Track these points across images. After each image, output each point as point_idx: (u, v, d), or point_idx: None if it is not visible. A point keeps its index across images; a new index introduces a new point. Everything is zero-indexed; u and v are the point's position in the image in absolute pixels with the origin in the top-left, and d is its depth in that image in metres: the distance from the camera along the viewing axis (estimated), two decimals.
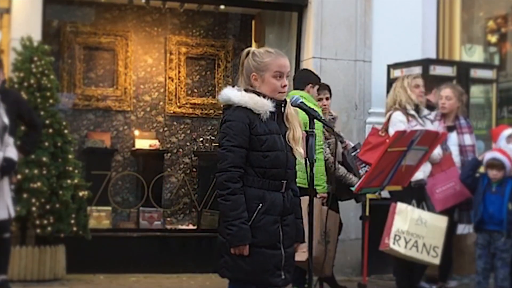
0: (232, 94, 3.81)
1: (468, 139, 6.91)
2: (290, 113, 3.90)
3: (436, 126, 6.70)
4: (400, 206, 5.87)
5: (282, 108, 3.87)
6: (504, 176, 6.41)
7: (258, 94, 3.81)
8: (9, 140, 5.85)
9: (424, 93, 6.67)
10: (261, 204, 3.73)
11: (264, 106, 3.77)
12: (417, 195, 6.34)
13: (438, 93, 7.04)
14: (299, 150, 3.86)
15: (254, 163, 3.75)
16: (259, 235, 3.71)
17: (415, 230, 5.81)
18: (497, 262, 6.36)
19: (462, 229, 6.71)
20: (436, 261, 5.89)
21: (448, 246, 6.87)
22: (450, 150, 6.74)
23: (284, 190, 3.83)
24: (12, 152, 5.87)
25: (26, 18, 7.52)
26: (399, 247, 5.77)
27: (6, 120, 5.86)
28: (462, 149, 6.86)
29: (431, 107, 6.95)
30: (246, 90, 3.83)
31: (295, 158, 3.88)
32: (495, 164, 6.41)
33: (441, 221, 5.97)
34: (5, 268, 6.36)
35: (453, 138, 6.80)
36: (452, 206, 6.67)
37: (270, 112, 3.79)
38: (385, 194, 6.59)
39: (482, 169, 6.60)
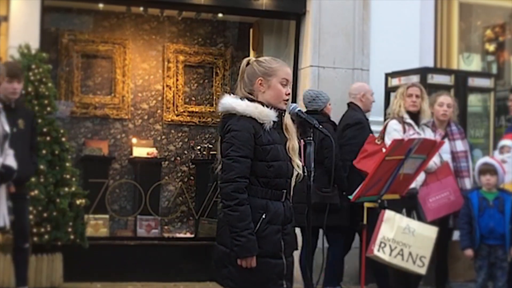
0: (236, 103, 3.77)
1: (460, 145, 6.89)
2: (289, 123, 3.90)
3: (432, 135, 6.69)
4: (388, 213, 5.84)
5: (282, 118, 3.87)
6: (497, 182, 6.41)
7: (262, 104, 3.79)
8: (10, 151, 5.85)
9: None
10: (264, 214, 3.71)
11: (268, 116, 3.76)
12: (408, 203, 6.33)
13: (434, 100, 7.00)
14: (297, 162, 3.86)
15: (259, 173, 3.73)
16: (263, 245, 3.69)
17: (401, 239, 5.78)
18: (497, 271, 6.35)
19: (458, 235, 6.70)
20: (422, 271, 5.86)
21: (443, 253, 6.87)
22: (443, 159, 6.72)
23: (284, 200, 3.82)
24: (12, 161, 5.86)
25: (24, 26, 7.50)
26: (384, 254, 5.75)
27: (7, 128, 5.85)
28: (454, 155, 6.85)
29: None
30: (246, 99, 3.80)
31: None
32: (488, 169, 6.42)
33: (431, 231, 5.93)
34: (25, 279, 6.36)
35: (445, 146, 6.79)
36: (444, 215, 6.66)
37: (273, 122, 3.78)
38: None
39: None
